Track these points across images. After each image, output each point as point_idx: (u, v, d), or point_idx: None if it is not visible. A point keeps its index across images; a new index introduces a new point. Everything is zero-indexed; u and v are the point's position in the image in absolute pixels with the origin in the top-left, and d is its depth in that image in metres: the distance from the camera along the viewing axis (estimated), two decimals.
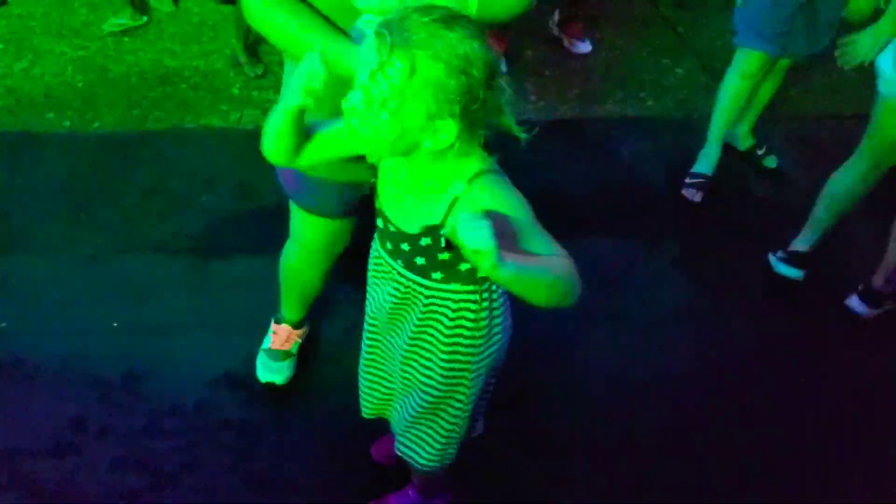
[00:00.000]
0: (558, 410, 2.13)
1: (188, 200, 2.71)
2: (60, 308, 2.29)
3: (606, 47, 3.67)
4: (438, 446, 1.57)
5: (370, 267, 1.49)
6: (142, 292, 2.35)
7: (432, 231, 1.27)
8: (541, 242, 1.19)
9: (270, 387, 2.08)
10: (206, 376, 2.12)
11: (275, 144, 1.30)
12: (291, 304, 2.03)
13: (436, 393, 1.48)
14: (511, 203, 1.20)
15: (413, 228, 1.29)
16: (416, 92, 1.12)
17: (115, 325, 2.26)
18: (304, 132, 1.30)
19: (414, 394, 1.50)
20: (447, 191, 1.23)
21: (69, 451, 1.94)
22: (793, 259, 2.54)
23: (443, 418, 1.53)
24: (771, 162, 3.03)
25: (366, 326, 1.56)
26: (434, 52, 1.11)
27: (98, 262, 2.45)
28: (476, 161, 1.24)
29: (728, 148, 3.04)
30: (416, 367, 1.47)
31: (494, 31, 3.36)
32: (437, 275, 1.34)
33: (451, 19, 1.13)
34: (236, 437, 1.99)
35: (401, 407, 1.55)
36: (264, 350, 2.10)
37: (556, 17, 3.64)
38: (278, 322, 2.10)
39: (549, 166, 2.98)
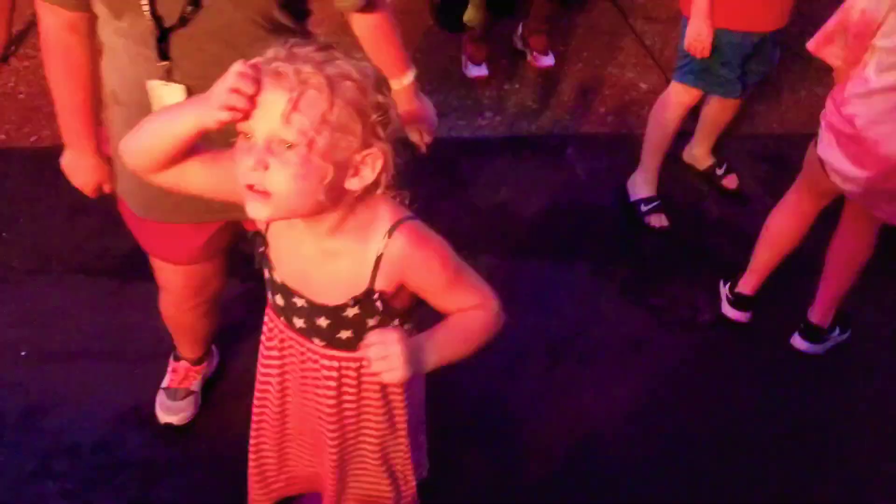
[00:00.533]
0: (499, 455, 1.99)
1: (119, 220, 2.60)
2: None
3: (570, 60, 3.55)
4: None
5: (262, 351, 1.35)
6: (54, 317, 2.24)
7: (359, 300, 1.15)
8: (460, 296, 1.18)
9: (170, 427, 1.96)
10: (111, 411, 2.00)
11: (145, 146, 1.08)
12: (183, 344, 1.91)
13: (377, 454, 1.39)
14: (435, 255, 1.16)
15: (333, 300, 1.16)
16: (341, 119, 0.99)
17: (22, 353, 2.14)
18: (190, 148, 1.08)
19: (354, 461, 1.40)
20: (367, 250, 1.12)
21: None
22: (739, 302, 2.39)
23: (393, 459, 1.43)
24: (731, 182, 2.91)
25: (256, 412, 1.43)
26: (341, 71, 1.00)
27: (10, 283, 2.34)
28: (390, 209, 1.13)
29: (688, 167, 2.93)
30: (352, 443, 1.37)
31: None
32: None
33: (330, 45, 1.02)
34: (135, 479, 1.87)
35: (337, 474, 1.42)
36: (163, 389, 1.98)
37: (520, 29, 3.53)
38: (176, 359, 1.98)
39: (501, 183, 2.87)
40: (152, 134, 1.07)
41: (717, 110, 2.75)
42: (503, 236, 2.65)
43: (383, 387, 1.29)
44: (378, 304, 1.16)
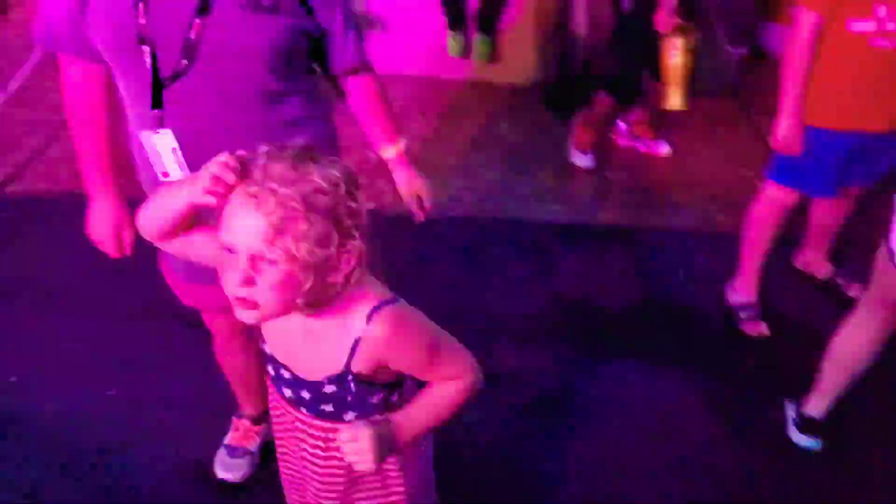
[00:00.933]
0: None
1: None
2: (70, 367, 2.37)
3: (683, 151, 3.46)
4: None
5: (272, 415, 1.40)
6: (146, 361, 2.39)
7: (334, 380, 1.20)
8: (440, 371, 1.23)
9: (224, 484, 2.02)
10: (175, 460, 2.09)
11: (151, 218, 1.17)
12: (244, 397, 1.97)
13: None
14: (415, 336, 1.20)
15: (313, 376, 1.22)
16: (318, 231, 1.04)
17: (110, 392, 2.30)
18: (194, 219, 1.15)
19: None
20: (345, 333, 1.16)
21: None
22: (807, 426, 2.16)
23: None
24: (854, 292, 2.67)
25: (281, 472, 1.47)
26: (315, 187, 1.04)
27: (114, 323, 2.52)
28: (370, 292, 1.18)
29: (804, 276, 2.74)
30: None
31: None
32: (350, 415, 1.26)
33: (305, 154, 1.07)
34: None
35: None
36: (224, 445, 2.05)
37: (632, 115, 3.49)
38: (239, 417, 2.05)
39: (592, 273, 2.80)
40: (157, 208, 1.16)
41: (824, 210, 2.57)
42: (586, 329, 2.57)
43: None
44: (352, 385, 1.20)
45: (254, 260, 1.04)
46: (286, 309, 1.10)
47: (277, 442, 1.42)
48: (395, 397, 1.27)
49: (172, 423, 2.19)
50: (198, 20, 1.34)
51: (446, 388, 1.24)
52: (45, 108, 3.41)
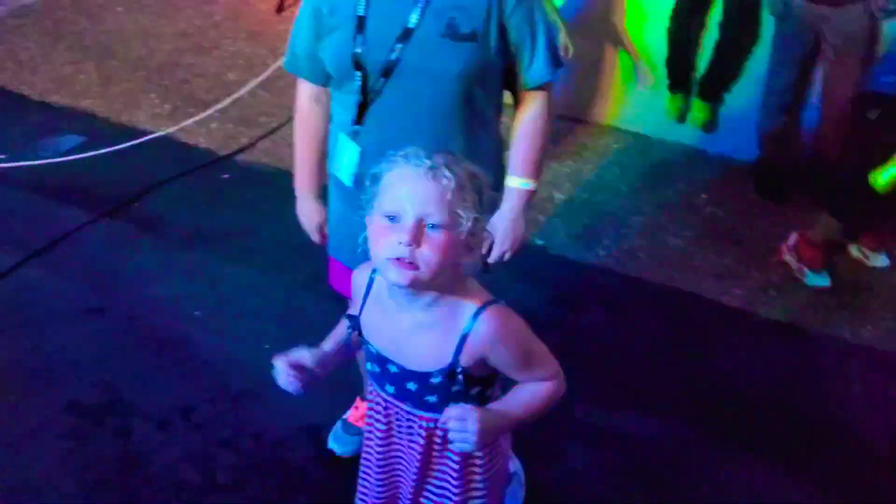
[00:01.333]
0: None
1: None
2: (242, 315, 2.67)
3: None
4: None
5: (368, 410, 1.52)
6: (303, 324, 2.61)
7: (443, 372, 1.29)
8: (532, 373, 1.33)
9: (333, 455, 2.18)
10: (299, 420, 2.28)
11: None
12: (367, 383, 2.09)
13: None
14: (516, 336, 1.30)
15: (421, 367, 1.32)
16: (473, 206, 1.20)
17: (266, 346, 2.56)
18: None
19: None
20: (454, 327, 1.27)
21: (168, 427, 2.26)
22: None
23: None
24: None
25: (362, 460, 1.59)
26: (471, 171, 1.22)
27: (291, 293, 2.80)
28: (476, 291, 1.29)
29: None
30: (432, 490, 1.47)
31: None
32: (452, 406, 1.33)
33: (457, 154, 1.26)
34: (279, 483, 2.12)
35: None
36: (342, 420, 2.21)
37: (848, 225, 3.19)
38: (363, 399, 2.18)
39: (764, 371, 2.60)
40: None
41: None
42: (748, 431, 2.39)
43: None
44: (460, 377, 1.28)
45: (421, 222, 1.17)
46: (437, 276, 1.20)
47: (366, 434, 1.53)
48: (490, 391, 1.36)
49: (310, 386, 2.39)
50: (399, 45, 1.51)
51: (536, 388, 1.33)
52: (286, 98, 3.87)
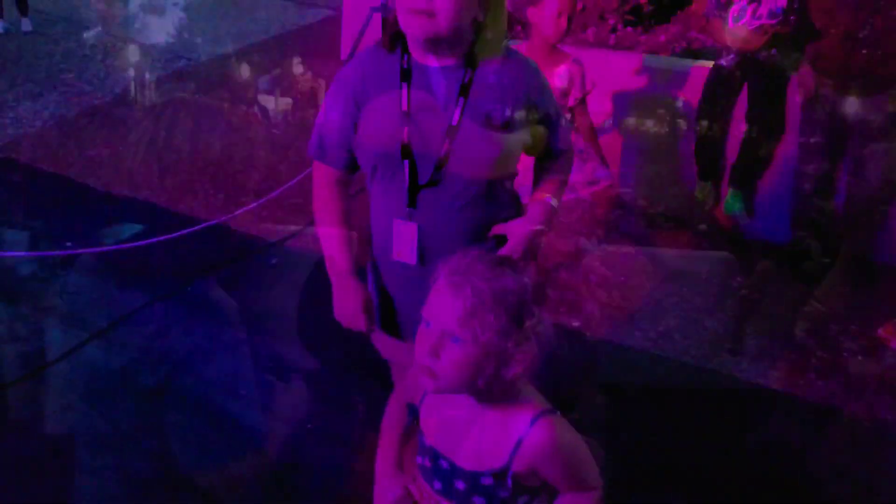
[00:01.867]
0: None
1: None
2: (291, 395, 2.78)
3: None
4: None
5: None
6: (346, 407, 2.72)
7: (496, 473, 1.31)
8: (577, 484, 1.32)
9: None
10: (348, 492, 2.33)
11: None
12: None
13: None
14: (568, 450, 1.31)
15: (473, 466, 1.32)
16: (501, 324, 1.23)
17: (308, 426, 2.64)
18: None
19: None
20: (511, 430, 1.29)
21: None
22: None
23: None
24: None
25: None
26: (506, 287, 1.24)
27: (333, 372, 2.91)
28: (534, 397, 1.33)
29: None
30: None
31: None
32: None
33: (503, 263, 1.30)
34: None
35: None
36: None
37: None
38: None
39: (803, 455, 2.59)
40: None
41: None
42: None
43: None
44: (509, 481, 1.29)
45: (443, 336, 1.24)
46: (461, 386, 1.25)
47: None
48: (536, 502, 1.35)
49: (345, 457, 2.47)
50: (447, 141, 1.65)
51: (580, 499, 1.33)
52: None
